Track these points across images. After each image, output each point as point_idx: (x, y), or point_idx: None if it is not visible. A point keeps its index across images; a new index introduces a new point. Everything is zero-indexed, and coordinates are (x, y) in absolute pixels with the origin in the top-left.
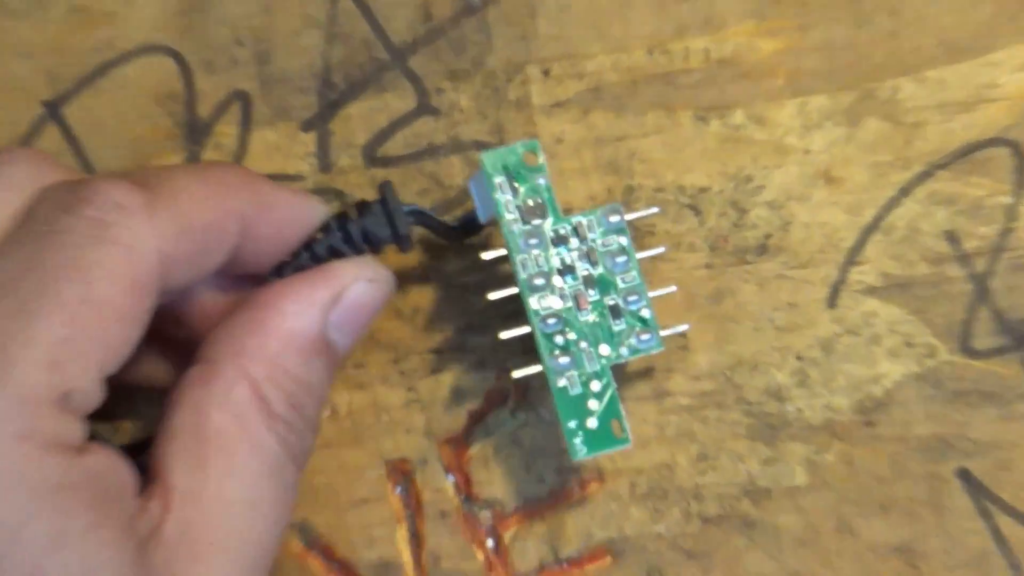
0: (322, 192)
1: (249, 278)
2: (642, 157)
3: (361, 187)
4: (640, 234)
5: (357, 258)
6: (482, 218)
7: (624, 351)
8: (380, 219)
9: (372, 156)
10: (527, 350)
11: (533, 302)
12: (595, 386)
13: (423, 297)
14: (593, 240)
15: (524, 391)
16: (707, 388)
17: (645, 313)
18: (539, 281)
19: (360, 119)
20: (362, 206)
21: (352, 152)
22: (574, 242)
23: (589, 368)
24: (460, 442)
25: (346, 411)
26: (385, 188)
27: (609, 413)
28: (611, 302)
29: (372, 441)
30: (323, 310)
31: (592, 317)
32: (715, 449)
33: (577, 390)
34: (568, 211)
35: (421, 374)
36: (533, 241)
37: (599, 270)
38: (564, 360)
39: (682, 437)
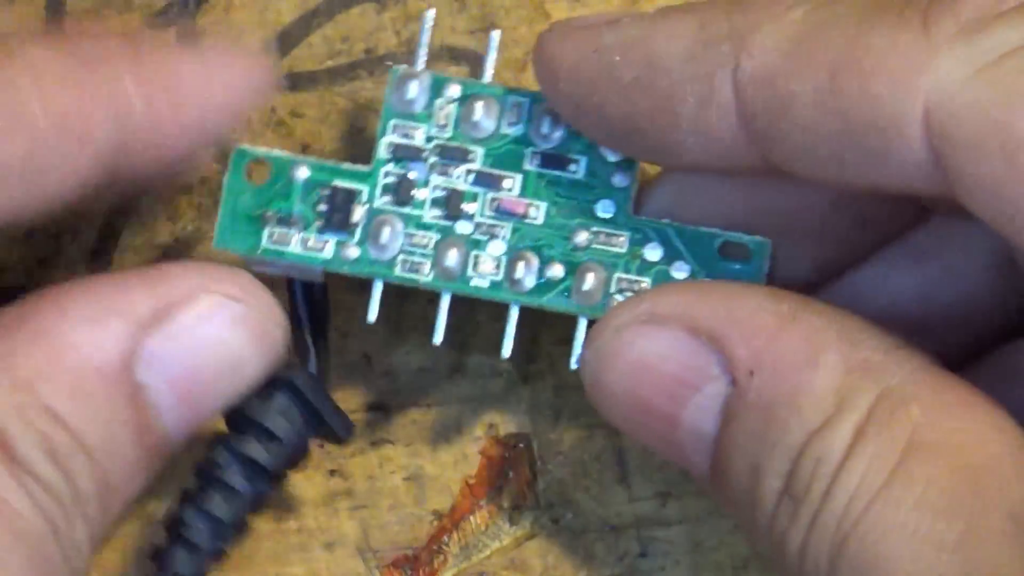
0: None
1: None
2: None
3: (250, 125)
4: None
5: (228, 267)
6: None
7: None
8: (295, 422)
9: None
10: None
11: (474, 283)
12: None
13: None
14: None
15: (532, 468)
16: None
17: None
18: (450, 263)
19: (248, 8)
20: (248, 416)
21: None
22: (416, 168)
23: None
24: (420, 566)
25: None
26: (299, 380)
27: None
28: (533, 163)
29: (267, 565)
30: (133, 327)
31: (541, 213)
32: None
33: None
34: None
35: (353, 445)
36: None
37: (471, 164)
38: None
39: None
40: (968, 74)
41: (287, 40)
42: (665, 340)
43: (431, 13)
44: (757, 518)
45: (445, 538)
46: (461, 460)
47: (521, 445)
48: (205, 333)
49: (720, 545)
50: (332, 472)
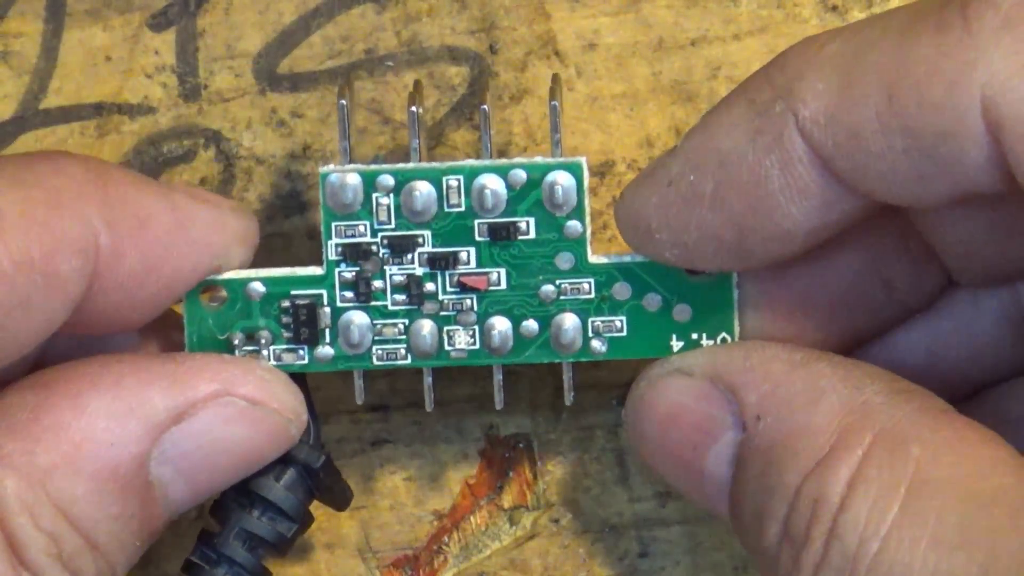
0: (186, 132)
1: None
2: (733, 75)
3: (251, 125)
4: None
5: (244, 360)
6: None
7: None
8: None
9: (270, 72)
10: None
11: (453, 355)
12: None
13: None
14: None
15: (532, 468)
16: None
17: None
18: (425, 345)
19: (248, 9)
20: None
21: (236, 64)
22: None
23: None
24: (420, 566)
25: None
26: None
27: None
28: (482, 234)
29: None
30: (151, 427)
31: (503, 278)
32: None
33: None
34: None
35: (354, 446)
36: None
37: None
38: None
39: None
40: (1020, 64)
41: (287, 40)
42: (690, 390)
43: (343, 104)
44: (767, 565)
45: (445, 538)
46: (461, 460)
47: (521, 445)
48: (222, 434)
49: (720, 545)
50: None
